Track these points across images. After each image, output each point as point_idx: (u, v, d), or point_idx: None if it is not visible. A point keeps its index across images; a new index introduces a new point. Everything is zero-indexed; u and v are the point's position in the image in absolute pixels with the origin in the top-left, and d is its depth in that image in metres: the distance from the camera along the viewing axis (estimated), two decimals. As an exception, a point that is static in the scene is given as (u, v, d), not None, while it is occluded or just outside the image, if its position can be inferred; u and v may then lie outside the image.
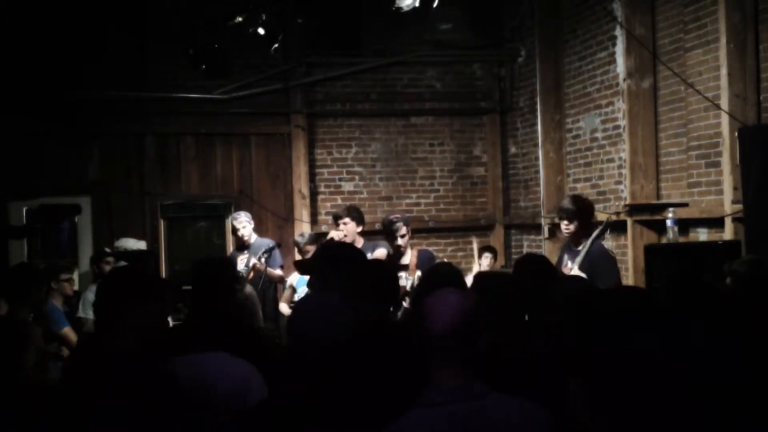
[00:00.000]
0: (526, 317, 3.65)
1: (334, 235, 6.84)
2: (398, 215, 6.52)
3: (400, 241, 6.27)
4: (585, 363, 2.60)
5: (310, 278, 4.17)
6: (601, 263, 5.72)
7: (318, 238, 7.82)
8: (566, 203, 6.04)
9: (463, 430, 2.33)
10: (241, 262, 7.35)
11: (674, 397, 2.47)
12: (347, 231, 6.87)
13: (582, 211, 5.98)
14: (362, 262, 3.96)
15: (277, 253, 7.71)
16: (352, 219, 6.92)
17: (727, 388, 2.83)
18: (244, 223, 7.81)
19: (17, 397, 2.77)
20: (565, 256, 6.01)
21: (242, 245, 7.83)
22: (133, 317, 2.81)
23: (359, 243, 6.67)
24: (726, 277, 4.39)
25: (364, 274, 3.67)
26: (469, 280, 6.78)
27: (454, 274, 4.03)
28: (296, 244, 7.63)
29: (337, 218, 7.08)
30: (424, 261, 6.26)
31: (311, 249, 7.39)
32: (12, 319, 4.75)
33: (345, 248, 4.41)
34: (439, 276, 3.92)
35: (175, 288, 3.61)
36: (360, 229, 6.92)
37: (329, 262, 3.88)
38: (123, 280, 2.95)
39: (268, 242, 7.74)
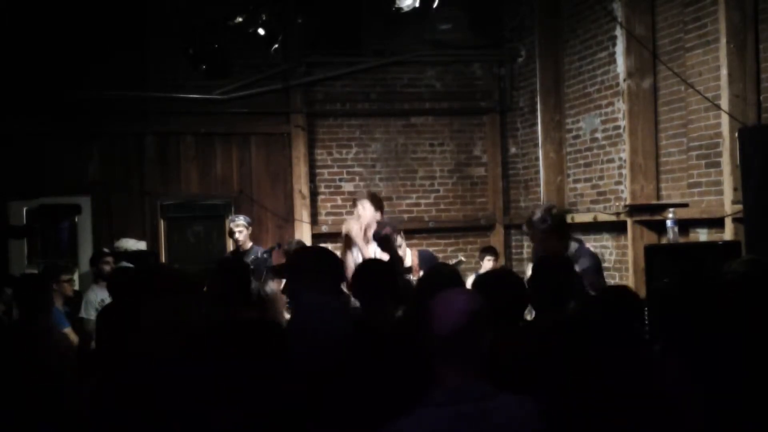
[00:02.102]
0: (534, 315, 3.67)
1: (350, 225, 6.73)
2: (388, 227, 6.27)
3: (399, 252, 6.21)
4: (586, 363, 2.60)
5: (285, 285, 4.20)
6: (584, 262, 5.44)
7: (303, 244, 7.76)
8: (540, 215, 5.71)
9: (467, 430, 2.33)
10: None
11: (674, 398, 2.47)
12: (364, 215, 6.72)
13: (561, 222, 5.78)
14: (331, 268, 3.94)
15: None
16: (372, 203, 6.79)
17: (726, 388, 2.83)
18: (240, 227, 7.78)
19: (17, 396, 2.77)
20: None
21: (237, 250, 7.83)
22: (153, 315, 2.81)
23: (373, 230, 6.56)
24: (725, 277, 4.38)
25: (332, 279, 3.71)
26: (469, 282, 6.79)
27: (454, 275, 4.04)
28: (285, 252, 7.58)
29: (355, 201, 6.98)
30: (426, 261, 6.24)
31: None
32: (37, 328, 4.73)
33: (315, 253, 4.41)
34: (440, 277, 3.93)
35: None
36: (378, 215, 6.78)
37: (298, 268, 3.91)
38: (139, 278, 2.94)
39: (262, 250, 7.74)
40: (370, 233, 6.59)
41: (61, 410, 2.72)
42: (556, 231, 5.37)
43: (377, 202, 6.80)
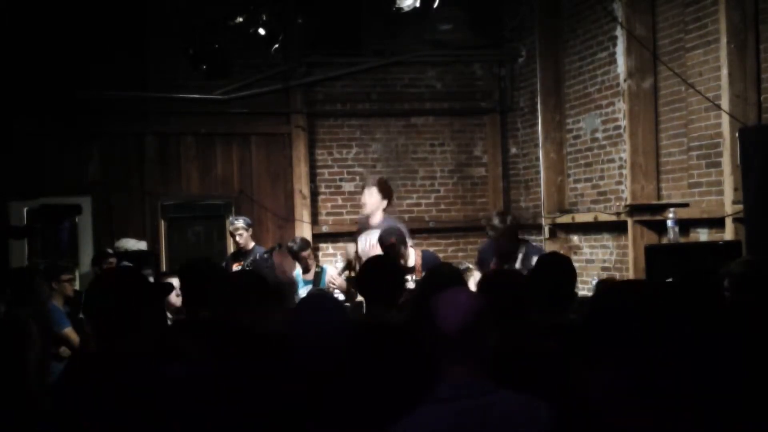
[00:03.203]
0: (536, 315, 3.67)
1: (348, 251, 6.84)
2: (392, 237, 6.23)
3: (402, 260, 6.22)
4: (586, 361, 2.60)
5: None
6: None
7: (308, 243, 7.77)
8: (497, 221, 6.25)
9: (472, 425, 2.34)
10: (237, 269, 7.38)
11: (674, 398, 2.46)
12: (369, 202, 6.75)
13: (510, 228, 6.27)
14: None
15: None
16: (380, 190, 6.81)
17: (726, 388, 2.83)
18: (240, 230, 7.78)
19: (17, 397, 2.76)
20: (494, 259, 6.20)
21: (239, 251, 7.84)
22: (147, 318, 2.83)
23: (377, 218, 6.55)
24: (723, 279, 4.39)
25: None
26: (471, 282, 6.83)
27: (455, 275, 4.04)
28: (289, 249, 7.58)
29: (363, 186, 7.03)
30: (429, 262, 6.24)
31: (306, 255, 7.38)
32: (11, 318, 4.75)
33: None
34: (441, 277, 3.93)
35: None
36: (385, 204, 6.78)
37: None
38: (133, 281, 2.94)
39: (263, 250, 7.77)
40: (373, 221, 6.61)
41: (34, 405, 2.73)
42: (511, 233, 6.16)
43: (385, 190, 6.79)
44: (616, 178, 8.21)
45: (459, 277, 4.08)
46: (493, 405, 2.38)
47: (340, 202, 9.86)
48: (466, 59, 10.19)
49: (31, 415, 2.71)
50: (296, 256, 7.47)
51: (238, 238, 7.80)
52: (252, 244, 7.88)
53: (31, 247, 9.01)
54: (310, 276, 7.36)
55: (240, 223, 7.84)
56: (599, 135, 8.48)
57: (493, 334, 2.47)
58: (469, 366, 2.41)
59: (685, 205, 7.11)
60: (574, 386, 2.59)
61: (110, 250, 8.07)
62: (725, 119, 6.43)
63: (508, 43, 10.16)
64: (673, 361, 2.57)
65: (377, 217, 6.61)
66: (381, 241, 6.26)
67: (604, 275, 8.30)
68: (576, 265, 8.48)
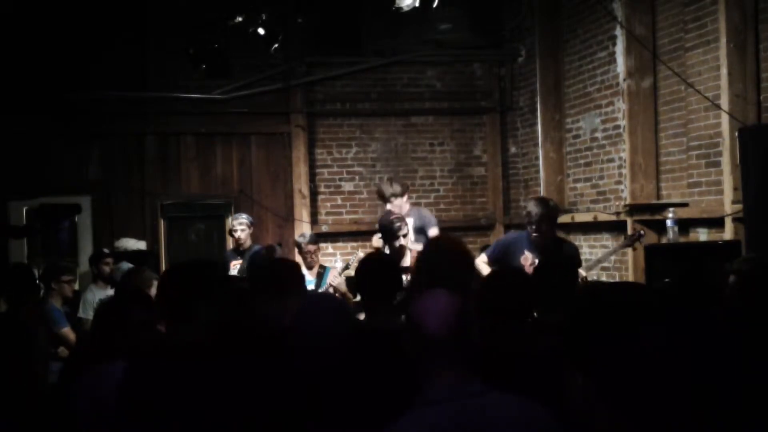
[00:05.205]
0: (533, 315, 3.66)
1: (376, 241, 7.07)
2: (397, 215, 6.43)
3: (402, 241, 6.18)
4: (585, 359, 2.60)
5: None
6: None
7: (318, 238, 7.79)
8: (534, 207, 5.91)
9: (465, 427, 2.33)
10: (234, 269, 7.37)
11: (673, 398, 2.46)
12: (403, 206, 7.11)
13: (553, 212, 6.01)
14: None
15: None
16: (404, 193, 7.15)
17: (726, 387, 2.83)
18: (243, 226, 7.79)
19: (17, 397, 2.77)
20: (528, 252, 6.02)
21: (237, 249, 7.83)
22: (207, 312, 2.83)
23: (405, 208, 7.02)
24: (728, 277, 4.38)
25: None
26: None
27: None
28: (297, 244, 7.61)
29: (391, 198, 7.24)
30: None
31: (313, 249, 7.39)
32: (12, 317, 4.75)
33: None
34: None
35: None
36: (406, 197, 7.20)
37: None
38: (197, 274, 2.93)
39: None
40: (403, 211, 6.83)
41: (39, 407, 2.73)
42: (555, 218, 6.08)
43: (406, 191, 7.13)
44: (616, 177, 8.21)
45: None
46: (491, 406, 2.38)
47: (339, 201, 9.86)
48: (466, 59, 10.20)
49: (34, 414, 2.71)
50: (302, 249, 7.47)
51: (239, 233, 7.78)
52: (250, 243, 7.89)
53: (31, 247, 9.02)
54: (313, 275, 7.37)
55: (243, 218, 7.85)
56: (599, 135, 8.48)
57: (475, 333, 2.47)
58: (457, 368, 2.41)
59: (685, 204, 7.12)
60: (569, 379, 2.60)
61: (107, 250, 8.06)
62: (725, 119, 6.43)
63: (508, 43, 10.17)
64: (671, 360, 2.57)
65: (405, 208, 7.07)
66: (380, 224, 6.34)
67: (604, 275, 8.30)
68: (576, 264, 8.42)
